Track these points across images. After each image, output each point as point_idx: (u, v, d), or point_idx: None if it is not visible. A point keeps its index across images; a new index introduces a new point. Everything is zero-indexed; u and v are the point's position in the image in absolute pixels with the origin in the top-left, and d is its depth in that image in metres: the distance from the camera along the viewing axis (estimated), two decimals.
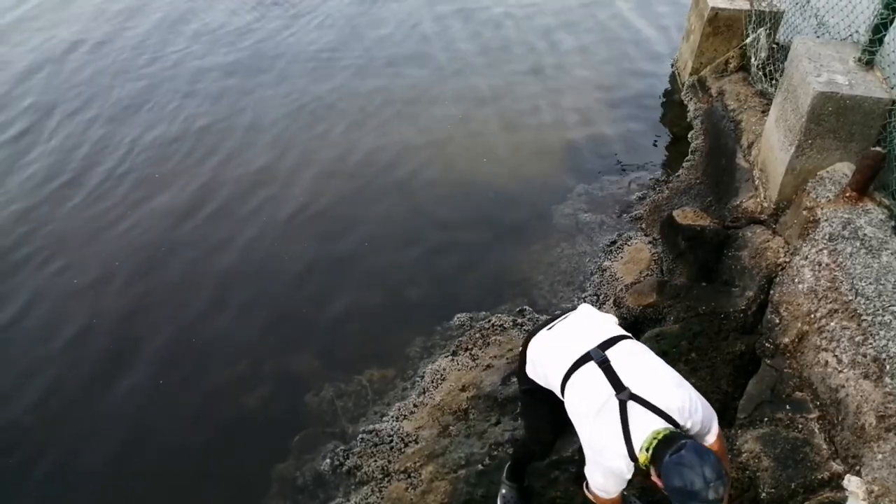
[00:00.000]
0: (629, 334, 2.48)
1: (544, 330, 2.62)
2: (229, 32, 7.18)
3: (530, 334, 2.69)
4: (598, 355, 2.34)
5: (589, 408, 2.27)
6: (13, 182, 5.28)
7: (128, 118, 5.95)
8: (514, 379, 3.80)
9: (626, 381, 2.25)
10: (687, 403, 2.22)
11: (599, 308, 4.31)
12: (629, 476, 2.26)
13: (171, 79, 6.46)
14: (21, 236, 4.82)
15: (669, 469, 2.01)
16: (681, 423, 2.19)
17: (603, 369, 2.30)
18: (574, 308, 2.71)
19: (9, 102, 6.10)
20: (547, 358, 2.51)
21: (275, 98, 6.25)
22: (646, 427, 2.15)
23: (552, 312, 4.30)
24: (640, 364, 2.33)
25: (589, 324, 2.53)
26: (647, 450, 2.11)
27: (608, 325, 2.51)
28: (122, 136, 5.74)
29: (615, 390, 2.24)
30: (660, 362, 2.38)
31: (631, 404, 2.20)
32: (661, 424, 2.16)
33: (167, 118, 5.97)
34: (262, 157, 5.62)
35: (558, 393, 2.46)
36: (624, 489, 2.36)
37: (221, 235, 4.90)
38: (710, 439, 2.30)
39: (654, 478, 2.11)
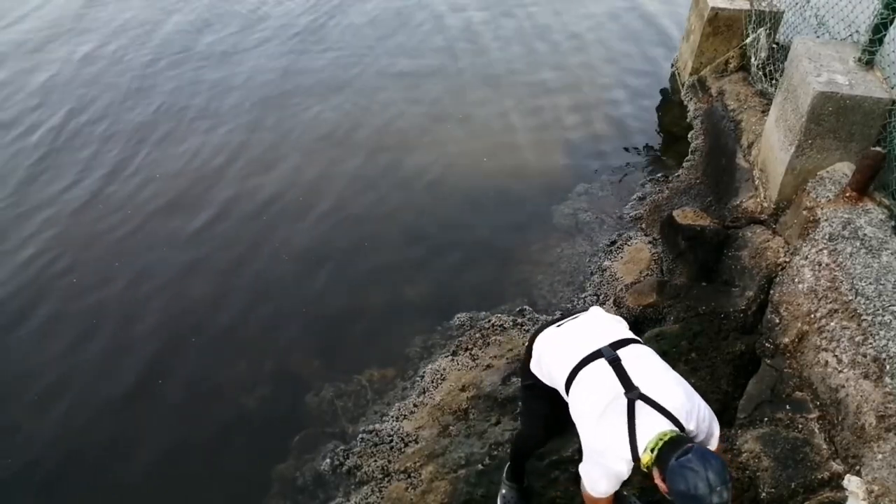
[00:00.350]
0: (639, 338, 2.49)
1: (553, 327, 2.63)
2: (246, 43, 7.13)
3: (538, 330, 2.70)
4: (609, 353, 2.35)
5: (595, 405, 2.27)
6: (34, 192, 5.23)
7: (145, 131, 5.88)
8: (515, 379, 3.80)
9: (636, 381, 2.26)
10: (694, 409, 2.23)
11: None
12: (626, 477, 2.26)
13: (190, 87, 6.42)
14: (42, 248, 4.77)
15: (674, 472, 2.01)
16: (686, 427, 2.19)
17: (613, 367, 2.31)
18: (582, 308, 2.71)
19: (29, 112, 6.06)
20: (554, 354, 2.52)
21: (287, 105, 6.24)
22: (653, 427, 2.16)
23: (552, 312, 4.30)
24: (649, 366, 2.34)
25: (599, 324, 2.54)
26: (653, 450, 2.11)
27: (619, 327, 2.53)
28: (140, 147, 5.69)
29: (625, 389, 2.24)
30: (668, 367, 2.39)
31: (639, 404, 2.20)
32: (668, 426, 2.16)
33: (185, 129, 5.92)
34: (264, 157, 5.63)
35: (562, 390, 2.45)
36: (624, 490, 2.36)
37: (220, 236, 4.91)
38: (713, 447, 2.30)
39: (658, 480, 2.11)
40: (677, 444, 2.07)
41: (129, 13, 7.57)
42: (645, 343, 2.52)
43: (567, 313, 2.75)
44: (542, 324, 2.83)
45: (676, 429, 2.16)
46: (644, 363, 2.34)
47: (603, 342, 2.40)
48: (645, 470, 2.16)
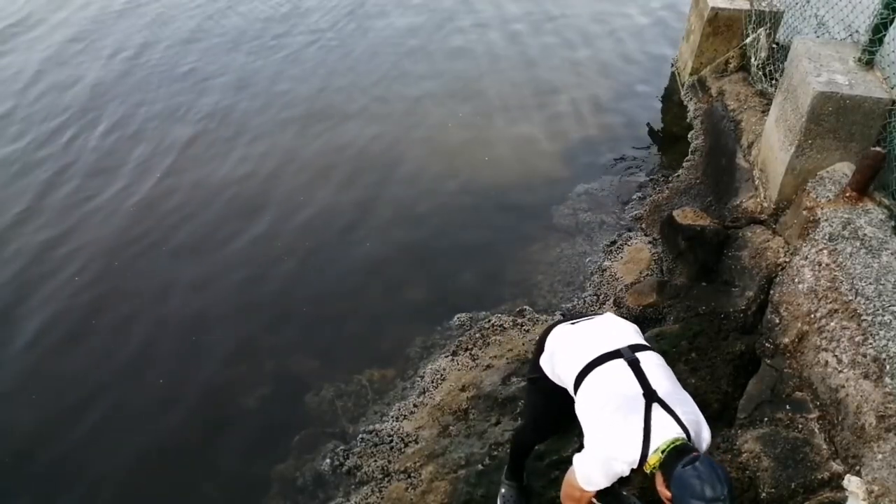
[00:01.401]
0: (652, 347, 2.50)
1: (567, 324, 2.64)
2: (276, 56, 7.06)
3: (551, 326, 2.70)
4: (629, 354, 2.37)
5: (611, 400, 2.28)
6: (55, 198, 5.18)
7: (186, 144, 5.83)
8: (515, 378, 3.80)
9: (653, 385, 2.27)
10: (701, 423, 2.26)
11: (599, 308, 4.31)
12: (626, 475, 2.26)
13: (218, 93, 6.39)
14: (63, 258, 4.71)
15: (682, 479, 2.01)
16: (692, 437, 2.21)
17: (632, 368, 2.32)
18: (595, 311, 2.72)
19: (52, 115, 6.01)
20: (567, 350, 2.52)
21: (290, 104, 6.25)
22: (666, 431, 2.17)
23: (552, 312, 4.30)
24: (666, 374, 2.37)
25: (616, 326, 2.56)
26: (663, 452, 2.12)
27: (634, 332, 2.55)
28: (165, 156, 5.64)
29: (643, 390, 2.26)
30: (677, 381, 2.41)
31: (655, 406, 2.22)
32: (680, 433, 2.18)
33: (210, 135, 5.89)
34: (264, 155, 5.64)
35: (570, 387, 2.45)
36: (624, 490, 2.36)
37: (220, 237, 4.90)
38: None
39: (660, 485, 2.11)
40: (684, 452, 2.09)
41: (168, 21, 7.51)
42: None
43: (578, 314, 2.75)
44: (557, 320, 2.83)
45: (685, 437, 2.17)
46: (661, 370, 2.36)
47: (621, 343, 2.42)
48: (648, 471, 2.16)
